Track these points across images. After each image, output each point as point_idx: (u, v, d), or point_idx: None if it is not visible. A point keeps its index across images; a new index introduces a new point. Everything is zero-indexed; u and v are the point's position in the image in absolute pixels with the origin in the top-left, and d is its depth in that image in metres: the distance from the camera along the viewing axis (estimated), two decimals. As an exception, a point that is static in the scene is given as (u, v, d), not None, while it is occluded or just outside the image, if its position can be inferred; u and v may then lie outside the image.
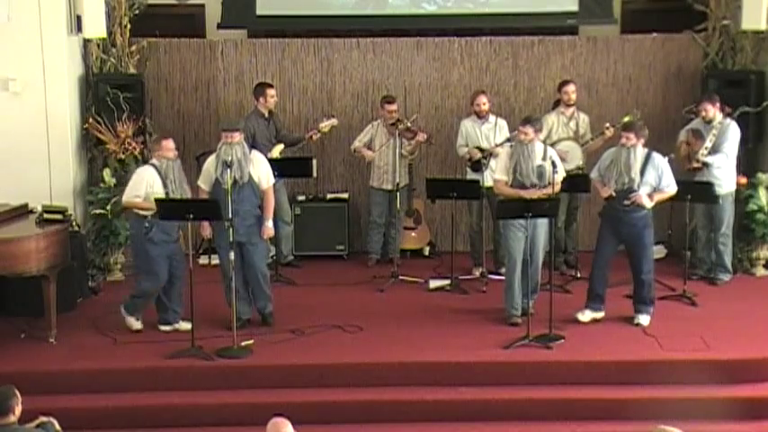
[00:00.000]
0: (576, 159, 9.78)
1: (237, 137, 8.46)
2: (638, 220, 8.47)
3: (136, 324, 8.62)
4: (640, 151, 8.42)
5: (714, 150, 9.53)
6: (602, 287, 8.68)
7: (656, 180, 8.45)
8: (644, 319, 8.63)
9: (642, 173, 8.40)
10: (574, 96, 9.96)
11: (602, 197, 8.61)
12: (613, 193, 8.48)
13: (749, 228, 9.92)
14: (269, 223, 8.54)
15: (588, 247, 9.87)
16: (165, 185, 8.37)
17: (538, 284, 8.82)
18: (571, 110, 9.97)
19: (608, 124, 9.83)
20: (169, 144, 8.50)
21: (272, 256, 9.77)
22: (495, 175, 8.81)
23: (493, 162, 9.73)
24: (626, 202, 8.41)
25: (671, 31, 10.98)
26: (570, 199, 9.93)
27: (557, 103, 10.15)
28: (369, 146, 10.32)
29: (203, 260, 10.23)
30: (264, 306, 8.70)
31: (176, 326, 8.60)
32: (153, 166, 8.48)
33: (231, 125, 8.69)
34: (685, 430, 5.54)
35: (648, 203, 8.43)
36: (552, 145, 9.63)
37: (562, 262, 10.05)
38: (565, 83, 10.05)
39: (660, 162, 8.49)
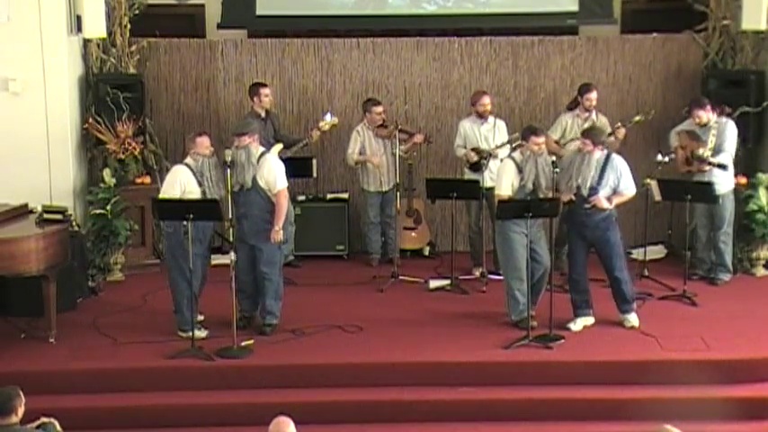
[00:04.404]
0: None
1: (246, 140, 8.42)
2: (601, 221, 8.47)
3: (201, 332, 8.43)
4: (598, 156, 8.42)
5: (717, 151, 9.53)
6: (584, 292, 8.66)
7: (615, 182, 8.45)
8: (633, 319, 8.62)
9: (602, 175, 8.40)
10: (595, 102, 9.94)
11: (564, 201, 8.59)
12: (573, 197, 8.48)
13: (749, 228, 9.91)
14: (277, 227, 8.43)
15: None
16: (200, 184, 8.33)
17: (543, 288, 8.75)
18: (588, 112, 9.95)
19: (619, 124, 9.84)
20: (204, 141, 8.43)
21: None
22: (501, 191, 8.59)
23: (492, 163, 9.73)
24: (586, 206, 8.42)
25: (671, 31, 10.98)
26: None
27: (574, 103, 10.11)
28: (361, 155, 10.31)
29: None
30: (265, 316, 8.64)
31: (197, 332, 8.36)
32: (186, 165, 8.41)
33: (238, 129, 8.67)
34: (685, 430, 5.54)
35: (607, 205, 8.42)
36: (565, 145, 9.64)
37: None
38: (588, 89, 9.95)
39: (619, 164, 8.48)
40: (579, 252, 8.64)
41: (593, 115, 9.97)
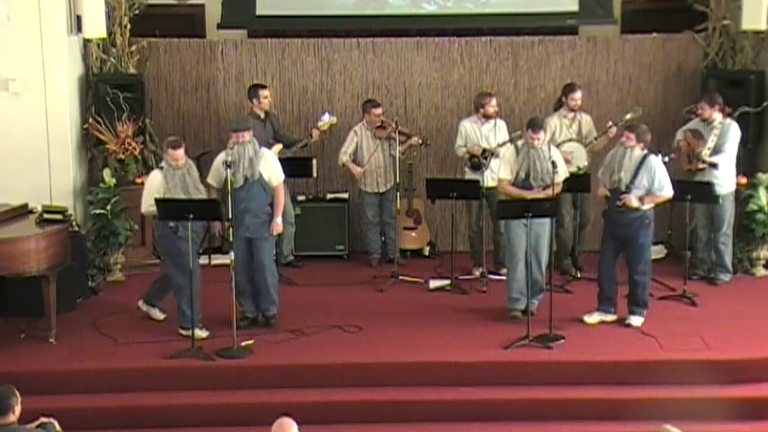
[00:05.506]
0: (581, 160, 9.75)
1: (248, 135, 8.47)
2: (633, 221, 8.46)
3: (160, 315, 8.61)
4: (637, 154, 8.43)
5: (716, 151, 9.53)
6: (610, 289, 8.66)
7: (649, 182, 8.44)
8: (635, 321, 8.62)
9: (635, 175, 8.40)
10: (580, 102, 9.94)
11: (599, 196, 8.65)
12: (608, 193, 8.50)
13: (749, 228, 9.92)
14: (278, 219, 8.55)
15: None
16: (167, 191, 8.31)
17: (541, 285, 8.78)
18: (573, 112, 9.96)
19: (611, 123, 9.84)
20: (176, 154, 8.34)
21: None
22: (500, 174, 8.81)
23: (493, 162, 9.73)
24: (617, 203, 8.43)
25: (671, 31, 10.98)
26: (573, 199, 9.93)
27: (559, 103, 10.13)
28: (355, 155, 10.33)
29: (203, 260, 10.18)
30: (267, 308, 8.69)
31: (197, 331, 8.34)
32: (161, 169, 8.44)
33: (241, 125, 8.68)
34: (685, 430, 5.54)
35: (638, 205, 8.41)
36: (557, 147, 9.64)
37: (570, 264, 10.03)
38: (572, 89, 9.95)
39: (655, 164, 8.47)
40: (608, 249, 8.64)
41: (578, 115, 9.97)
